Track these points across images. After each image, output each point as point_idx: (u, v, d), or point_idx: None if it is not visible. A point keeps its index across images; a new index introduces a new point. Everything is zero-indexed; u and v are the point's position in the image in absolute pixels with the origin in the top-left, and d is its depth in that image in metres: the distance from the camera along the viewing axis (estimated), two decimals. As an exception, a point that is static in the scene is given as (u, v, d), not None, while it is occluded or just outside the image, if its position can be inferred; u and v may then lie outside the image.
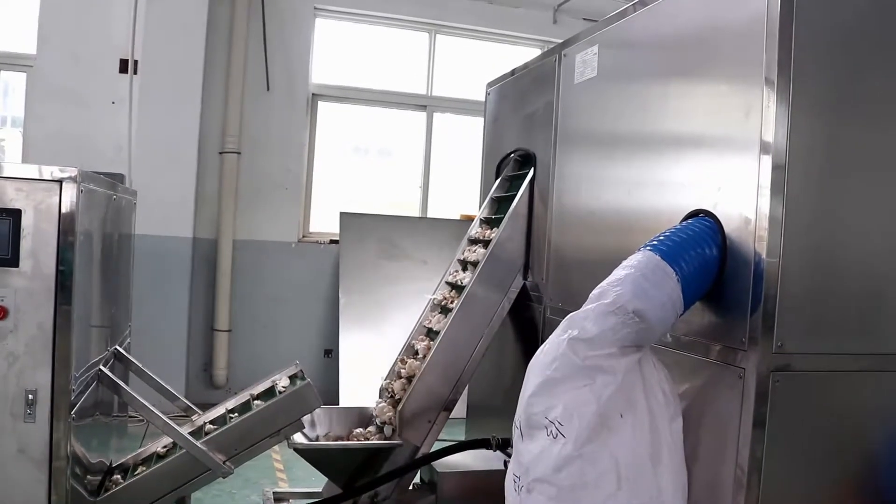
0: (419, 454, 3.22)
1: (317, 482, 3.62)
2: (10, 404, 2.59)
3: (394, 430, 3.23)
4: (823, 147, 2.08)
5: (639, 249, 2.15)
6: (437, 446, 3.28)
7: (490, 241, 3.48)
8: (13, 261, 2.59)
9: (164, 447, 3.25)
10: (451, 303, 3.43)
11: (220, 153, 6.56)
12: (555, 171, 3.30)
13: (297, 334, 6.82)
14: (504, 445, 3.22)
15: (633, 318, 2.02)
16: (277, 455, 5.17)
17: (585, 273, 2.83)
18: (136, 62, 6.22)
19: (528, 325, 3.49)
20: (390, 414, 3.25)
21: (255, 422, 3.09)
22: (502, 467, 3.18)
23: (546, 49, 4.76)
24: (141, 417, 3.22)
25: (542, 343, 2.26)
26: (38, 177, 2.62)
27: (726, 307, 2.13)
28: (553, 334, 2.18)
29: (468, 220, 5.73)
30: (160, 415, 3.08)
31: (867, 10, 2.11)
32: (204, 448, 3.01)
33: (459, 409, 3.51)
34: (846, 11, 2.08)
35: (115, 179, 4.26)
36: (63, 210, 2.62)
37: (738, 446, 2.03)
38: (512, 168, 3.72)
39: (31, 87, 6.28)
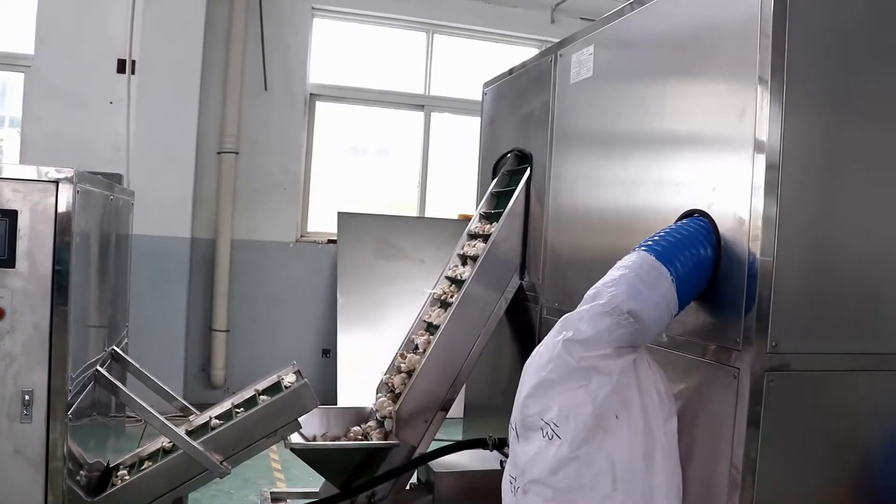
0: (416, 454, 3.23)
1: (314, 482, 3.62)
2: (7, 405, 2.59)
3: (395, 424, 3.24)
4: (817, 146, 2.08)
5: (633, 250, 2.16)
6: (434, 446, 3.29)
7: (490, 235, 3.49)
8: (9, 261, 2.59)
9: (162, 447, 3.26)
10: (451, 297, 3.44)
11: (218, 153, 6.56)
12: (551, 171, 3.30)
13: (295, 334, 6.82)
14: (501, 445, 3.23)
15: (627, 319, 2.03)
16: (275, 455, 5.18)
17: (581, 273, 2.84)
18: (133, 62, 6.22)
19: (524, 325, 3.50)
20: (391, 408, 3.25)
21: (252, 422, 3.09)
22: (499, 467, 3.18)
23: (544, 49, 4.76)
24: (138, 418, 3.22)
25: (538, 343, 2.26)
26: (34, 178, 2.62)
27: (721, 307, 2.13)
28: (548, 335, 2.18)
29: (466, 219, 5.73)
30: (157, 415, 3.08)
31: (861, 10, 2.11)
32: (201, 448, 3.01)
33: (457, 409, 3.52)
34: (840, 11, 2.09)
35: (113, 180, 4.27)
36: (59, 211, 2.61)
37: (732, 446, 2.03)
38: (510, 165, 3.73)
39: (29, 88, 6.28)
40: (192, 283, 6.50)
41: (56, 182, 2.62)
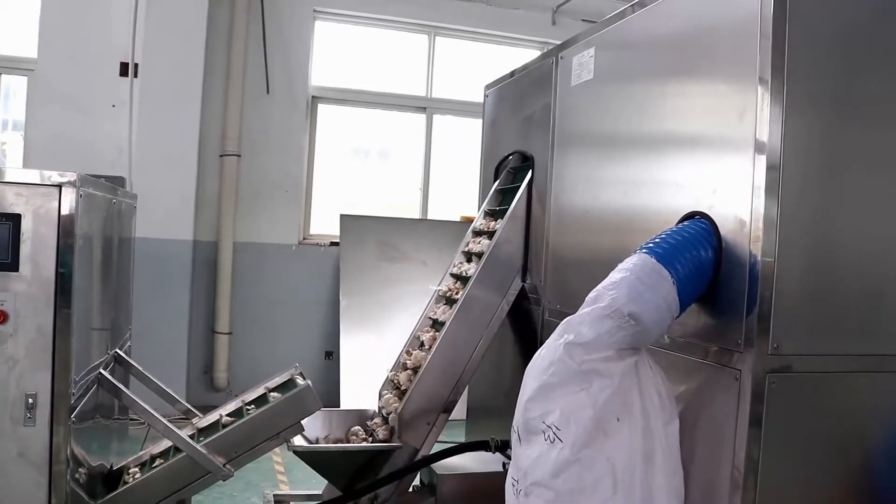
0: (419, 456, 3.23)
1: (317, 485, 3.62)
2: (10, 408, 2.60)
3: (397, 426, 3.24)
4: (818, 147, 2.08)
5: (634, 252, 2.16)
6: (436, 448, 3.29)
7: (495, 232, 3.50)
8: (13, 265, 2.60)
9: (165, 450, 3.26)
10: (456, 294, 3.45)
11: (221, 156, 6.58)
12: (552, 173, 3.30)
13: (297, 336, 6.83)
14: (503, 447, 3.23)
15: (628, 322, 2.03)
16: (278, 457, 5.18)
17: (583, 274, 2.84)
18: (136, 65, 6.24)
19: (526, 327, 3.50)
20: (396, 405, 3.26)
21: (255, 424, 3.10)
22: (501, 469, 3.19)
23: (545, 50, 4.77)
24: (142, 420, 3.23)
25: (540, 345, 2.26)
26: (37, 181, 2.63)
27: (722, 309, 2.13)
28: (549, 339, 2.19)
29: (468, 221, 5.73)
30: (160, 418, 3.09)
31: (861, 10, 2.12)
32: (204, 451, 3.02)
33: (459, 411, 3.52)
34: (840, 12, 2.09)
35: (116, 183, 4.28)
36: (62, 214, 2.63)
37: (734, 448, 2.03)
38: (514, 163, 3.74)
39: (32, 91, 6.30)
40: (195, 286, 6.51)
41: (59, 186, 2.63)
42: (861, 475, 2.16)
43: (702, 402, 2.18)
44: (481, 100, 4.32)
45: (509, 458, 2.61)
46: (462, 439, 3.81)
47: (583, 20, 7.06)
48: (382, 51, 7.34)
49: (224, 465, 3.06)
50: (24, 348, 2.61)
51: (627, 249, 2.22)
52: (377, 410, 3.46)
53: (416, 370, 3.30)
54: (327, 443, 3.39)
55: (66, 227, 2.63)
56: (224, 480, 3.11)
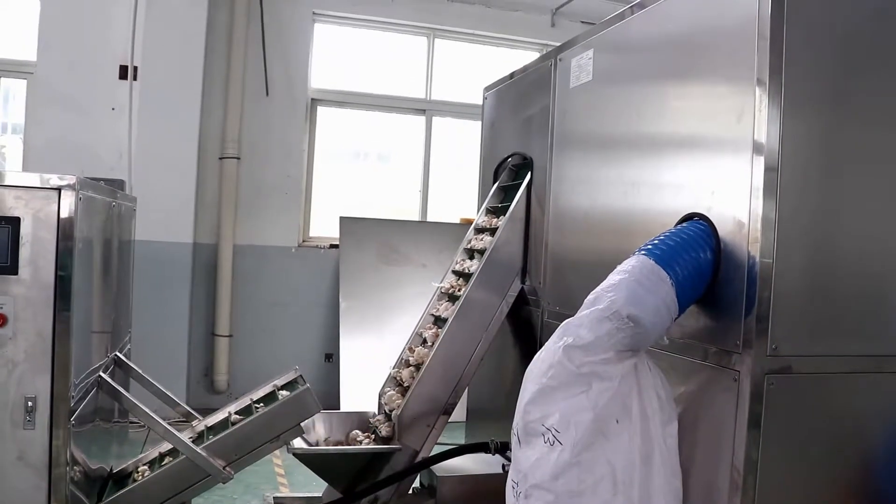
0: (418, 458, 3.23)
1: (318, 487, 3.63)
2: (10, 411, 2.60)
3: (397, 428, 3.25)
4: (816, 147, 2.09)
5: (633, 254, 2.16)
6: (436, 450, 3.29)
7: (496, 228, 3.50)
8: (12, 268, 2.59)
9: (165, 453, 3.26)
10: (459, 291, 3.46)
11: (220, 158, 6.57)
12: (551, 175, 3.31)
13: (297, 339, 6.82)
14: (503, 449, 3.23)
15: (627, 324, 2.03)
16: (278, 460, 5.18)
17: (582, 276, 2.84)
18: (135, 68, 6.23)
19: (526, 329, 3.50)
20: (399, 402, 3.26)
21: (254, 427, 3.10)
22: (501, 471, 3.19)
23: (544, 52, 4.76)
24: (141, 423, 3.23)
25: (539, 347, 2.26)
26: (36, 185, 2.63)
27: (721, 310, 2.13)
28: (549, 341, 2.19)
29: (468, 223, 5.75)
30: (160, 421, 3.09)
31: (859, 11, 2.12)
32: (204, 453, 3.02)
33: (459, 413, 3.52)
34: (837, 13, 2.09)
35: (116, 186, 4.29)
36: (62, 217, 2.62)
37: (733, 449, 2.03)
38: (514, 163, 3.75)
39: (32, 94, 6.30)
40: (195, 289, 6.50)
41: (58, 189, 2.63)
42: (860, 476, 2.16)
43: (701, 403, 2.18)
44: (480, 102, 4.33)
45: (509, 459, 2.61)
46: (462, 441, 3.81)
47: (582, 22, 7.06)
48: (382, 53, 7.34)
49: (224, 468, 3.06)
50: (23, 351, 2.61)
51: (626, 251, 2.23)
52: (380, 407, 3.46)
53: (418, 367, 3.31)
54: (327, 445, 3.39)
55: (65, 231, 2.63)
56: (224, 483, 3.11)
